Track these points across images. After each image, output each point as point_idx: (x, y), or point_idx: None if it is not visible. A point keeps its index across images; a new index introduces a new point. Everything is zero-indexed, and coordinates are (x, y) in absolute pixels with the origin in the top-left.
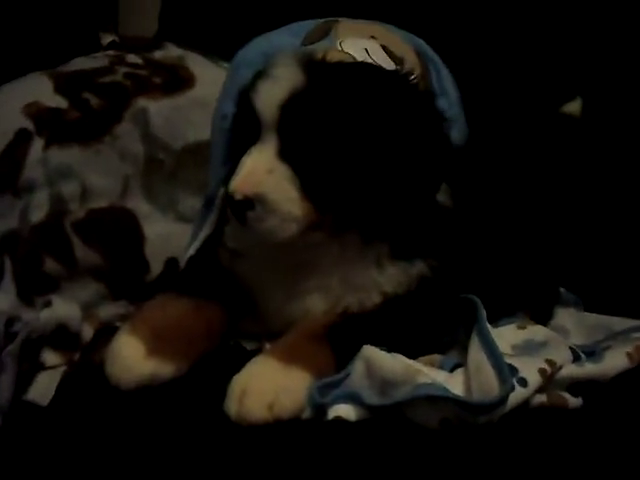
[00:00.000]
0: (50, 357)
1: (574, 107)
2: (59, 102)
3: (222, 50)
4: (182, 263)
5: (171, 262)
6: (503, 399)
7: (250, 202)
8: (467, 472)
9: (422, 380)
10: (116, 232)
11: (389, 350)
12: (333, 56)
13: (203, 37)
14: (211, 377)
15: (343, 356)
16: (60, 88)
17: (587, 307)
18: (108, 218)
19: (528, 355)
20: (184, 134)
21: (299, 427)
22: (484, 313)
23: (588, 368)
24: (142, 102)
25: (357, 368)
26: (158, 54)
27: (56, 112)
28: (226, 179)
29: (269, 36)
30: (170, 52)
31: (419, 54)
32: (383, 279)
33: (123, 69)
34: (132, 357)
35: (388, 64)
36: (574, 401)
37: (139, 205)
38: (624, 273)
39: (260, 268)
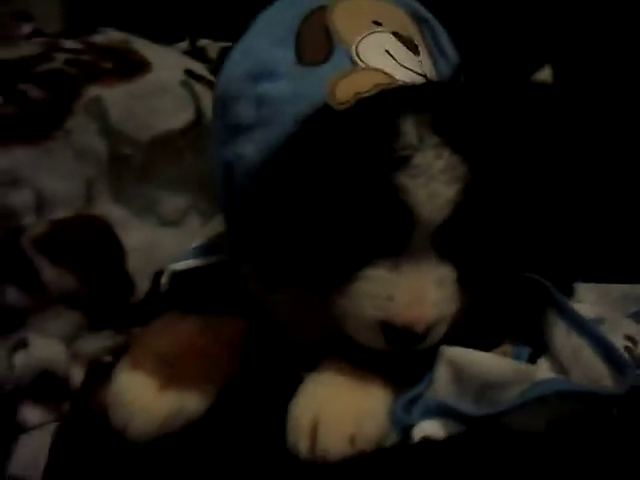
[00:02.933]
0: (32, 414)
1: (545, 75)
2: None
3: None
4: (165, 277)
5: (160, 277)
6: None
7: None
8: None
9: (543, 375)
10: (88, 246)
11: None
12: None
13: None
14: (248, 410)
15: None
16: None
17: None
18: (76, 230)
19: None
20: (149, 123)
21: (384, 458)
22: (560, 293)
23: None
24: (94, 90)
25: (440, 374)
26: (98, 38)
27: None
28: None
29: (250, 50)
30: (111, 36)
31: (412, 16)
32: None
33: (62, 55)
34: (142, 398)
35: (411, 60)
36: None
37: (110, 211)
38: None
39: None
